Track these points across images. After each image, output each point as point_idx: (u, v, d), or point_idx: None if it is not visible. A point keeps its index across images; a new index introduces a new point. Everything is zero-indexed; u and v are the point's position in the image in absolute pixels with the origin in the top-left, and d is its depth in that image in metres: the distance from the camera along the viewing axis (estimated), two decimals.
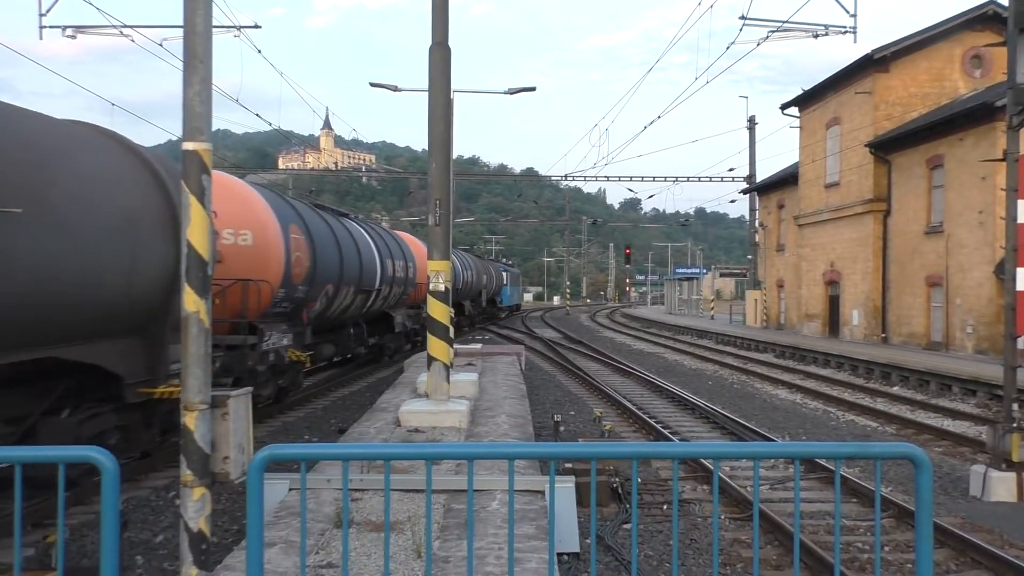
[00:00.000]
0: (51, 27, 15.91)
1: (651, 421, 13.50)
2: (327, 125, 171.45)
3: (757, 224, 42.42)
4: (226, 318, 11.52)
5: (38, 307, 6.88)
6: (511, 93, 17.11)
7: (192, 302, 3.90)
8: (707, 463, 9.92)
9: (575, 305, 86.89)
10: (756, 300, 41.13)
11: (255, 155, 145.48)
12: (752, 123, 43.00)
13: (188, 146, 4.00)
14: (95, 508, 9.35)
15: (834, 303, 31.68)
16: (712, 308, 55.29)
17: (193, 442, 3.89)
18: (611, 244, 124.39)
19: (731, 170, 44.15)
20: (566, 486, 7.17)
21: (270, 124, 25.20)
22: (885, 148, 27.68)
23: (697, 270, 74.00)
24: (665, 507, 8.58)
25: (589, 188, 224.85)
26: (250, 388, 4.16)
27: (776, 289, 39.06)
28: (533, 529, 6.03)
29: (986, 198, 22.61)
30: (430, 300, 11.00)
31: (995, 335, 22.05)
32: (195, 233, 3.89)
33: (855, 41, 19.22)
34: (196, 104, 4.01)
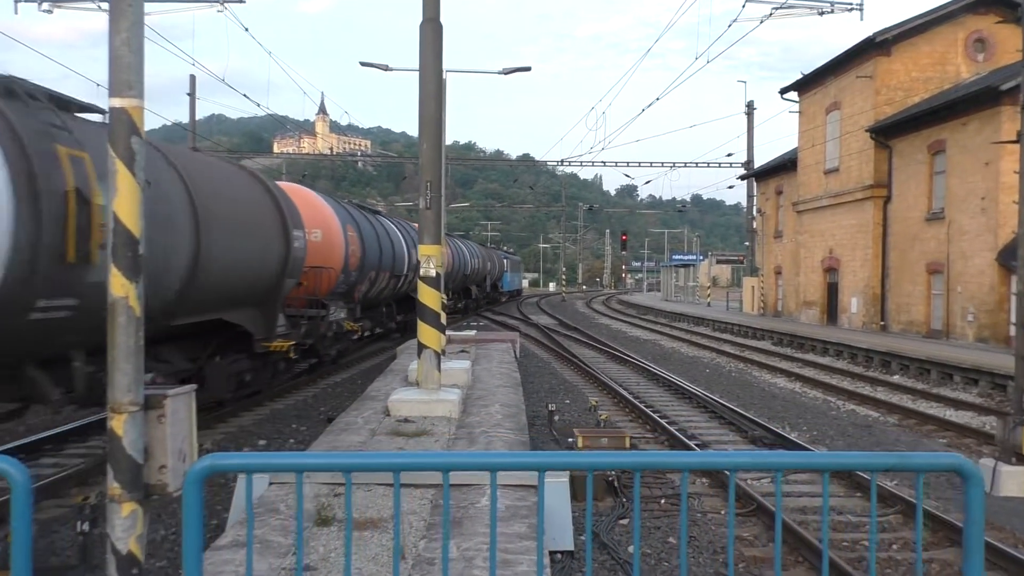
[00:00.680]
0: (27, 1, 15.40)
1: (648, 410, 13.18)
2: (322, 110, 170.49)
3: (755, 210, 42.06)
4: (305, 296, 14.78)
5: (222, 285, 10.44)
6: (505, 73, 16.69)
7: (119, 285, 3.39)
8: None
9: (571, 292, 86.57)
10: (753, 287, 40.82)
11: (250, 140, 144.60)
12: (750, 108, 42.55)
13: (115, 103, 3.46)
14: (69, 502, 9.00)
15: (832, 290, 31.37)
16: (709, 295, 54.99)
17: (121, 449, 3.37)
18: (607, 231, 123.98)
19: (729, 155, 43.71)
20: (560, 480, 6.85)
21: (258, 104, 24.67)
22: (886, 133, 27.30)
23: (694, 257, 73.65)
24: (663, 501, 8.26)
25: (586, 175, 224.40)
26: (193, 386, 3.74)
27: (774, 276, 38.75)
28: (525, 527, 5.69)
29: (988, 184, 22.26)
30: (420, 286, 10.63)
31: (997, 323, 21.77)
32: (123, 205, 3.36)
33: (862, 19, 18.80)
34: (125, 53, 3.46)
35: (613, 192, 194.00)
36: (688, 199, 79.47)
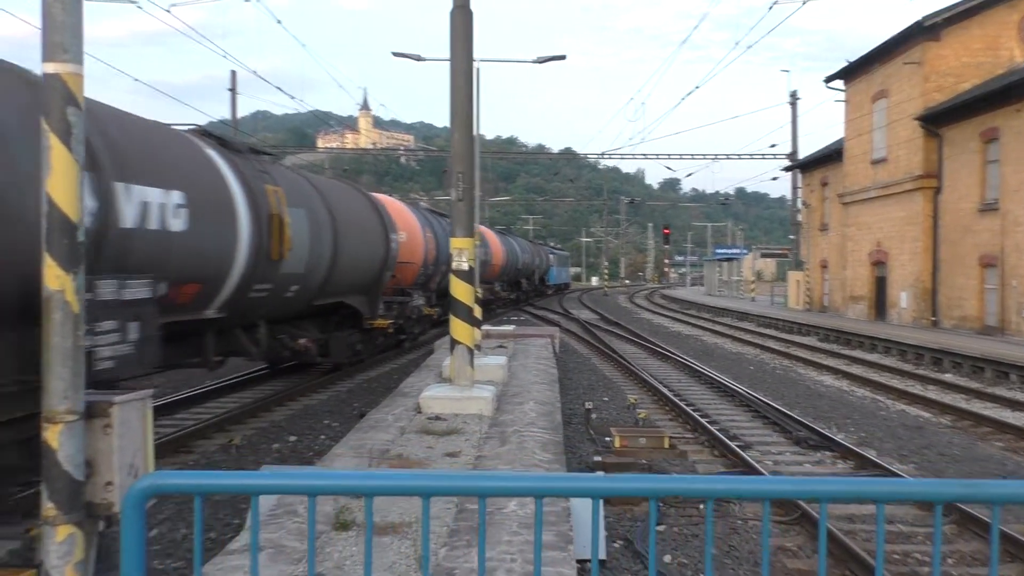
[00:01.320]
0: None
1: (688, 409, 12.78)
2: (365, 106, 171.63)
3: (799, 203, 41.12)
4: (394, 286, 17.85)
5: (347, 277, 13.76)
6: (540, 62, 16.32)
7: (54, 277, 2.91)
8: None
9: (613, 286, 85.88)
10: (798, 281, 39.92)
11: (294, 136, 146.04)
12: (794, 98, 41.59)
13: (50, 68, 3.01)
14: None
15: (881, 285, 30.47)
16: (753, 290, 54.00)
17: (56, 464, 2.91)
18: (650, 224, 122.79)
19: (772, 146, 42.71)
20: None
21: (293, 97, 24.63)
22: (936, 121, 26.36)
23: (737, 250, 72.44)
24: (701, 507, 7.88)
25: (628, 168, 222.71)
26: (149, 391, 3.41)
27: (819, 270, 37.83)
28: (553, 536, 5.40)
29: None
30: (453, 280, 10.38)
31: None
32: (59, 186, 2.89)
33: None
34: (58, 13, 3.02)
35: (656, 186, 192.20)
36: (732, 192, 78.27)
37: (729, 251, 73.19)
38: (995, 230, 23.63)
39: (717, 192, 68.96)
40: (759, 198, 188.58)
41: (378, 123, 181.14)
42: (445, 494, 2.24)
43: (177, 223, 8.73)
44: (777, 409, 12.81)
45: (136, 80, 20.42)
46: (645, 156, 45.16)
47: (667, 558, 6.47)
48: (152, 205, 8.26)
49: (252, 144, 12.49)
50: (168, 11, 15.75)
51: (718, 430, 11.26)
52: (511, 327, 22.33)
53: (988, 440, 11.46)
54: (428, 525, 2.29)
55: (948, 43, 26.63)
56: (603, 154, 46.55)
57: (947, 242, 26.18)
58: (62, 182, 2.97)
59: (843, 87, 33.32)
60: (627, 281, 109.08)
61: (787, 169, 42.00)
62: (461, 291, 10.27)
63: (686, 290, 79.24)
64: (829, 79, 33.42)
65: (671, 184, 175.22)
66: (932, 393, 15.42)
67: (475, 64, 12.33)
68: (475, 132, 12.06)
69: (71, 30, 3.00)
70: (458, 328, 10.22)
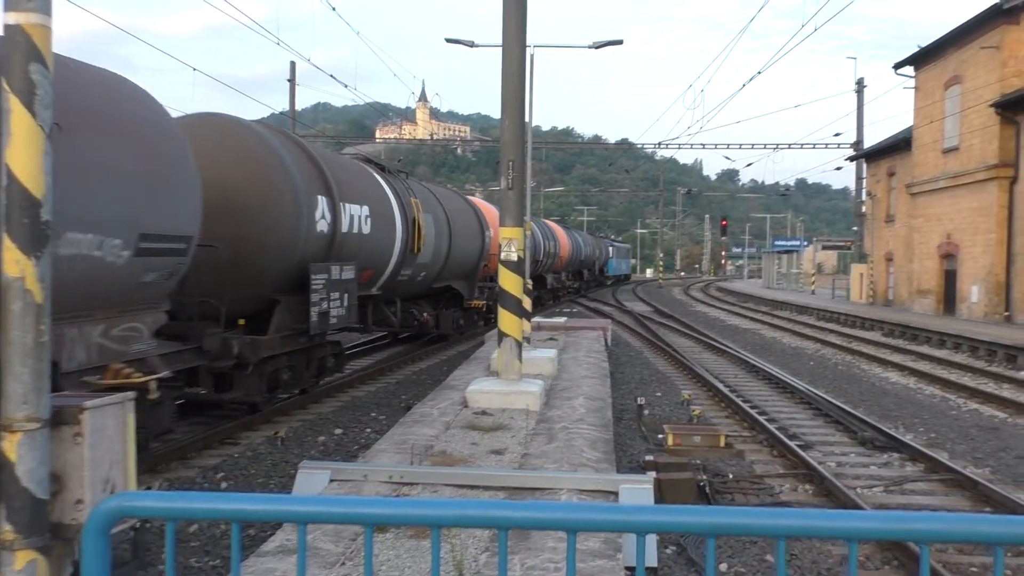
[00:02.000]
0: None
1: (745, 406, 12.29)
2: (423, 97, 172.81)
3: (864, 193, 39.83)
4: (484, 273, 21.29)
5: (456, 265, 17.89)
6: (596, 47, 15.88)
7: (13, 262, 2.50)
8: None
9: (668, 278, 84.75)
10: (862, 274, 38.69)
11: (354, 127, 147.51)
12: (860, 85, 40.24)
13: (10, 19, 2.62)
14: (199, 462, 8.87)
15: (950, 278, 29.28)
16: (813, 282, 52.63)
17: (14, 480, 2.49)
18: (707, 215, 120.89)
19: (837, 135, 41.39)
20: (643, 486, 6.19)
21: (346, 86, 24.61)
22: (1013, 108, 25.12)
23: (797, 242, 70.73)
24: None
25: (685, 159, 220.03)
26: (131, 394, 3.05)
27: (884, 263, 36.59)
28: (600, 543, 5.06)
29: None
30: (501, 271, 10.07)
31: None
32: (20, 155, 2.50)
33: None
34: None
35: (713, 177, 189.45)
36: (792, 183, 76.48)
37: (788, 243, 71.56)
38: None
39: (777, 183, 67.23)
40: (820, 189, 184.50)
41: (435, 114, 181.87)
42: (456, 525, 1.92)
43: (366, 228, 12.64)
44: (839, 407, 12.25)
45: (196, 71, 20.57)
46: (703, 146, 44.24)
47: (723, 566, 6.09)
48: (355, 217, 12.17)
49: (399, 168, 17.18)
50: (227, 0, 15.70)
51: (777, 428, 10.78)
52: (562, 319, 21.97)
53: None
54: (439, 560, 1.97)
55: None
56: (660, 144, 45.76)
57: (1023, 234, 24.99)
58: (24, 152, 2.59)
59: (913, 74, 32.07)
60: (682, 273, 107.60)
61: (852, 159, 40.71)
62: (509, 282, 9.96)
63: (743, 283, 77.72)
64: (898, 65, 32.21)
65: (729, 175, 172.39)
66: (1007, 392, 14.62)
67: (529, 50, 12.00)
68: (527, 119, 11.73)
69: None
70: (506, 320, 9.92)
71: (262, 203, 10.02)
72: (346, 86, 25.76)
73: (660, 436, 10.29)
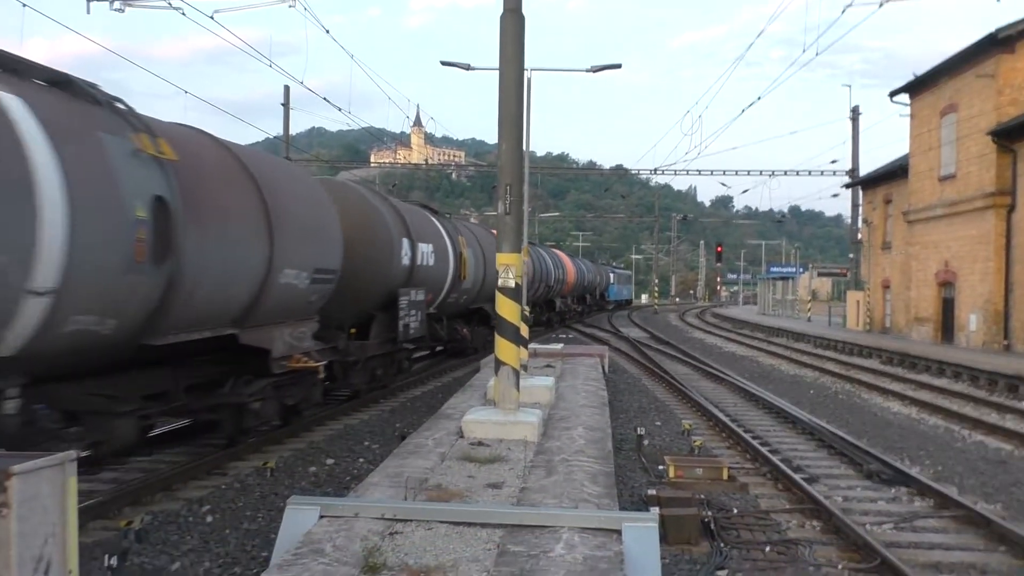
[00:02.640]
0: (98, 0, 15.47)
1: (747, 436, 12.02)
2: (418, 122, 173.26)
3: (860, 221, 39.78)
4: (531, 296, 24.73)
5: (486, 289, 19.32)
6: (594, 71, 15.78)
7: None
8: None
9: (663, 304, 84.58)
10: (859, 302, 38.55)
11: (348, 151, 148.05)
12: (855, 113, 40.34)
13: None
14: (183, 495, 8.58)
15: (948, 306, 29.12)
16: (809, 309, 52.49)
17: None
18: (702, 242, 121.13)
19: (834, 162, 41.40)
20: (647, 525, 5.90)
21: (340, 109, 24.49)
22: (1010, 136, 25.10)
23: (792, 269, 70.71)
24: (768, 549, 7.18)
25: (679, 185, 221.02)
26: (70, 455, 2.61)
27: (881, 290, 36.46)
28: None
29: None
30: (499, 297, 9.83)
31: None
32: None
33: (998, 0, 16.97)
34: None
35: (708, 203, 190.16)
36: (786, 210, 76.64)
37: (784, 269, 71.60)
38: None
39: (771, 209, 67.35)
40: (814, 216, 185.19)
41: (430, 139, 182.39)
42: None
43: (431, 261, 16.07)
44: (843, 438, 11.98)
45: (186, 94, 20.42)
46: (699, 172, 44.22)
47: None
48: (424, 253, 15.59)
49: (448, 213, 20.78)
50: (211, 17, 15.60)
51: (780, 460, 10.51)
52: (559, 346, 21.71)
53: None
54: None
55: None
56: (655, 170, 45.75)
57: (1021, 262, 24.87)
58: None
59: (908, 102, 32.13)
60: (677, 299, 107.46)
61: (848, 186, 40.72)
62: (507, 309, 9.71)
63: (738, 309, 77.60)
64: (894, 93, 32.26)
65: (723, 201, 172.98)
66: (1011, 423, 14.37)
67: (526, 73, 11.85)
68: (525, 144, 11.56)
69: None
70: (503, 348, 9.66)
71: (367, 245, 13.30)
72: (340, 109, 25.67)
73: (661, 467, 10.01)
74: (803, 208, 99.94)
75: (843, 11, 17.00)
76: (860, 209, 39.74)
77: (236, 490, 8.80)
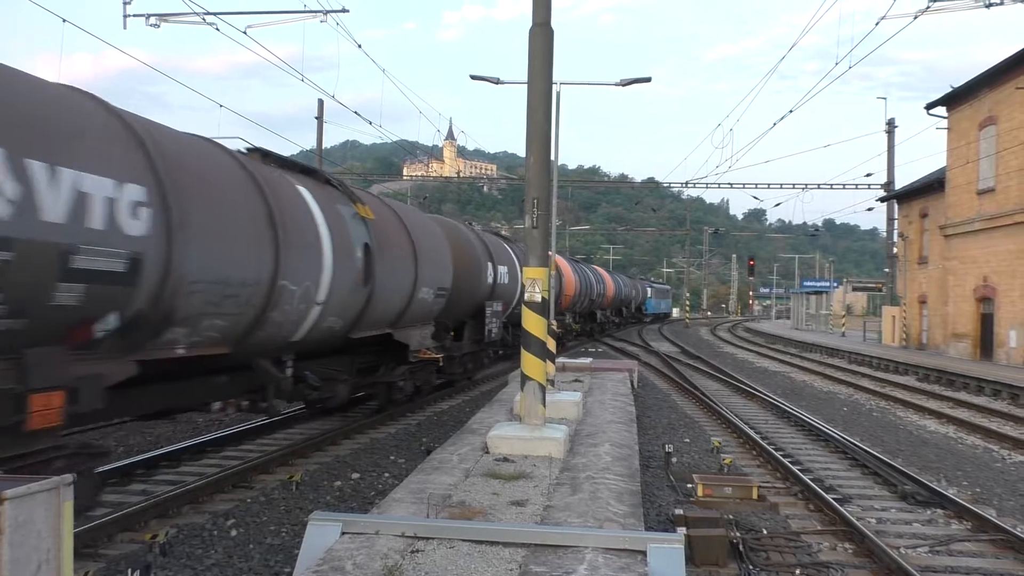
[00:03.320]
0: (135, 16, 15.72)
1: (778, 454, 11.80)
2: (450, 136, 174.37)
3: (896, 235, 39.18)
4: (561, 307, 27.53)
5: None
6: (623, 84, 15.70)
7: None
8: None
9: (695, 318, 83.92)
10: (894, 317, 37.92)
11: (382, 164, 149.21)
12: (891, 126, 39.82)
13: None
14: (209, 508, 8.61)
15: (987, 322, 28.53)
16: (844, 324, 51.75)
17: None
18: (734, 255, 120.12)
19: (868, 175, 40.79)
20: (674, 546, 5.78)
21: (371, 123, 24.65)
22: None
23: (827, 283, 69.81)
24: (798, 572, 7.01)
25: (712, 198, 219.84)
26: (68, 477, 2.63)
27: (917, 305, 35.84)
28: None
29: None
30: (525, 312, 9.75)
31: None
32: None
33: None
34: None
35: (740, 216, 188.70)
36: (820, 223, 75.80)
37: (817, 283, 70.72)
38: None
39: (804, 223, 66.59)
40: (848, 230, 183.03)
41: (462, 152, 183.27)
42: None
43: (506, 280, 19.10)
44: (877, 457, 11.72)
45: (221, 108, 20.69)
46: (731, 185, 43.88)
47: None
48: (501, 273, 18.57)
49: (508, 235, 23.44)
50: (244, 32, 15.76)
51: (812, 480, 10.30)
52: (588, 360, 21.56)
53: None
54: None
55: None
56: (687, 183, 45.43)
57: None
58: None
59: (945, 114, 31.65)
60: (709, 313, 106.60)
61: (883, 200, 40.15)
62: (533, 323, 9.63)
63: (771, 323, 76.75)
64: (930, 106, 31.81)
65: (756, 215, 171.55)
66: None
67: (555, 87, 11.81)
68: (553, 157, 11.50)
69: None
70: (529, 363, 9.58)
71: (465, 268, 16.59)
72: (371, 123, 25.83)
73: (689, 486, 9.85)
74: (837, 221, 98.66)
75: (876, 23, 16.75)
76: (896, 223, 39.16)
77: (261, 504, 8.79)
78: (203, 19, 14.80)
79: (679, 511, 8.05)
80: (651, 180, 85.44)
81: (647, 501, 8.94)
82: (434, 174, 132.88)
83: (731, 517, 8.34)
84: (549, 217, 10.43)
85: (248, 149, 9.77)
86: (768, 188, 45.00)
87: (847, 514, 8.53)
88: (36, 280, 5.65)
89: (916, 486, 10.05)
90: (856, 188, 42.77)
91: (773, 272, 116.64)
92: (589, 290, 37.05)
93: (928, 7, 16.39)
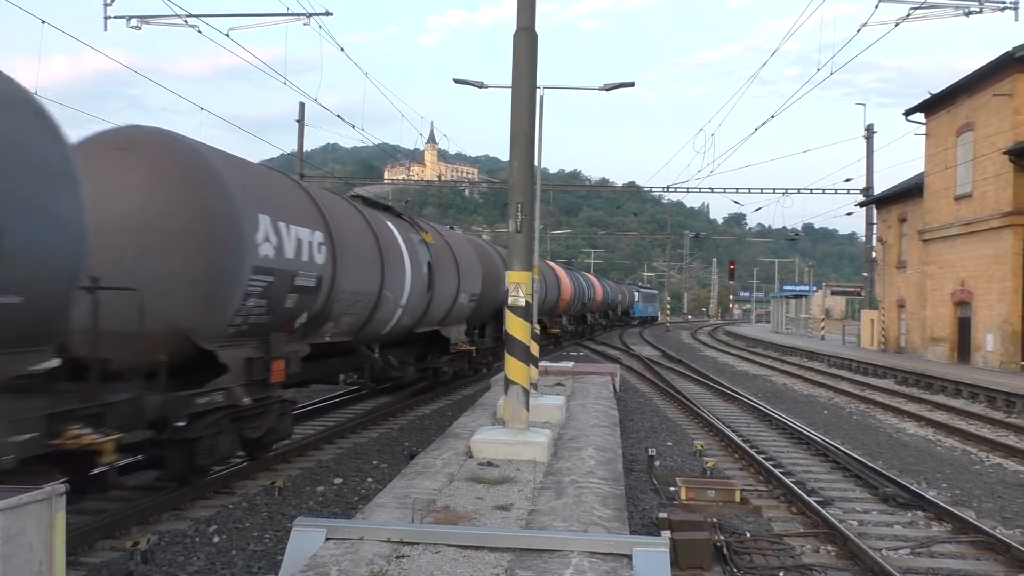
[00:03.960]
0: (116, 17, 15.61)
1: (760, 457, 11.86)
2: (431, 139, 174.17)
3: (875, 239, 39.54)
4: (559, 310, 33.38)
5: (548, 305, 30.62)
6: (607, 89, 15.76)
7: None
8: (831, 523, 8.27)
9: (675, 321, 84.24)
10: (873, 321, 38.25)
11: (363, 168, 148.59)
12: (870, 131, 40.20)
13: None
14: (190, 514, 8.52)
15: (964, 326, 28.84)
16: (823, 328, 52.12)
17: None
18: (714, 259, 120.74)
19: (848, 180, 41.19)
20: (659, 549, 5.79)
21: (353, 126, 24.59)
22: None
23: (806, 287, 70.30)
24: (782, 574, 7.05)
25: (692, 203, 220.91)
26: (61, 488, 2.57)
27: (896, 309, 36.17)
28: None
29: None
30: (509, 316, 9.75)
31: None
32: None
33: (1016, 19, 16.84)
34: None
35: (721, 221, 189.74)
36: (799, 228, 76.35)
37: (797, 288, 71.22)
38: None
39: (784, 228, 67.08)
40: (827, 234, 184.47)
41: (444, 156, 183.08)
42: None
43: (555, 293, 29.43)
44: (858, 460, 11.81)
45: (202, 110, 20.58)
46: (712, 190, 44.24)
47: None
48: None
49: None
50: (227, 35, 15.68)
51: (794, 482, 10.36)
52: (570, 364, 21.57)
53: None
54: None
55: None
56: (668, 188, 45.64)
57: None
58: None
59: (924, 120, 31.99)
60: (689, 316, 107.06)
61: (862, 204, 40.51)
62: (517, 328, 9.63)
63: (751, 326, 77.21)
64: (909, 112, 32.14)
65: (736, 219, 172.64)
66: None
67: (538, 91, 11.82)
68: (536, 161, 11.53)
69: None
70: (513, 367, 9.57)
71: (487, 277, 19.58)
72: (353, 126, 25.76)
73: (672, 489, 9.88)
74: (817, 226, 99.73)
75: (858, 30, 16.92)
76: (875, 228, 39.52)
77: (243, 510, 8.72)
78: (185, 21, 14.74)
79: (663, 515, 8.07)
80: (632, 184, 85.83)
81: (631, 505, 8.94)
82: (415, 178, 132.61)
83: (715, 520, 8.37)
84: (533, 221, 10.42)
85: (351, 196, 13.41)
86: (749, 193, 45.33)
87: (829, 516, 8.58)
88: (280, 293, 9.36)
89: (897, 488, 10.13)
90: (835, 193, 43.15)
91: (753, 276, 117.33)
92: (582, 295, 40.46)
93: (909, 14, 16.57)
